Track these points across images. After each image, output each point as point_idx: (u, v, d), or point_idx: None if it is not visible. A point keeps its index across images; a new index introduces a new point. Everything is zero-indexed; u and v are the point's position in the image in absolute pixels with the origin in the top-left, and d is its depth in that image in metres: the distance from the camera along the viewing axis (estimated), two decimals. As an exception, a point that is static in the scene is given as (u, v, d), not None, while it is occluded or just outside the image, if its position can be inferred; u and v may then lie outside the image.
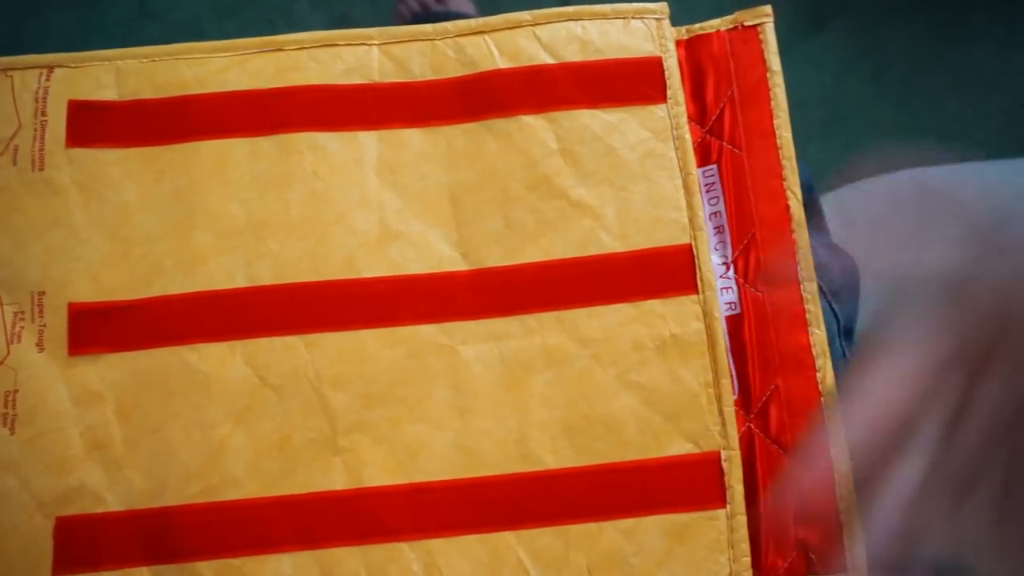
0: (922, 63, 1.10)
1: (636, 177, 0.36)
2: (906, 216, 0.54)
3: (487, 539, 0.33)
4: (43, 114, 0.36)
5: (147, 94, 0.36)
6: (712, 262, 0.36)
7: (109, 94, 0.36)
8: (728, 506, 0.34)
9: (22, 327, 0.34)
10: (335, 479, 0.34)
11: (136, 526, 0.33)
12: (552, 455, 0.34)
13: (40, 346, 0.34)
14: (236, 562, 0.33)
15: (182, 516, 0.33)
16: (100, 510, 0.33)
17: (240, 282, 0.35)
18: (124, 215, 0.35)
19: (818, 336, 0.35)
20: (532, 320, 0.35)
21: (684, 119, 0.37)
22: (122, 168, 0.36)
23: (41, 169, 0.35)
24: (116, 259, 0.35)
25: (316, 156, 0.36)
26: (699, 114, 0.38)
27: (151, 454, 0.34)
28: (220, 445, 0.34)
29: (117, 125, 0.36)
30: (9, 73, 0.36)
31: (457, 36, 0.37)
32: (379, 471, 0.34)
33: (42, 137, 0.36)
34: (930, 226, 0.53)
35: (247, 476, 0.34)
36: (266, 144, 0.36)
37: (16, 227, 0.35)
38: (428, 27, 0.38)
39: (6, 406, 0.34)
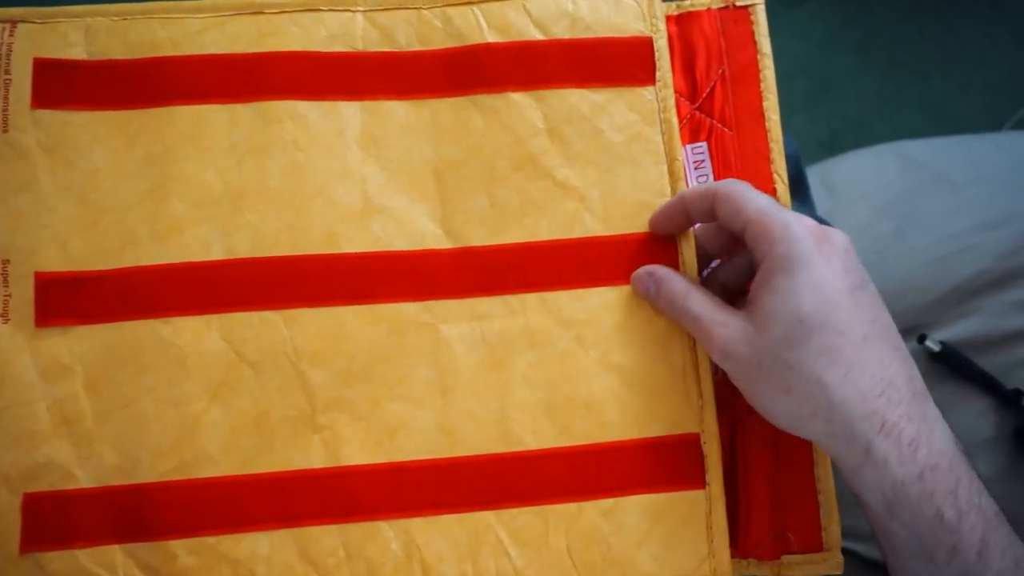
0: (907, 35, 1.10)
1: (622, 160, 0.36)
2: (891, 189, 0.54)
3: (467, 518, 0.34)
4: (7, 72, 0.35)
5: (118, 54, 0.35)
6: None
7: (78, 53, 0.35)
8: (707, 487, 0.35)
9: None
10: (313, 457, 0.34)
11: (107, 503, 0.33)
12: (533, 436, 0.35)
13: (4, 316, 0.34)
14: (211, 540, 0.33)
15: (155, 493, 0.33)
16: (70, 486, 0.33)
17: (217, 254, 0.35)
18: (94, 181, 0.35)
19: None
20: (515, 301, 0.35)
21: (672, 102, 0.37)
22: (92, 132, 0.35)
23: (4, 131, 0.34)
24: (86, 227, 0.34)
25: (296, 125, 0.35)
26: (689, 90, 0.38)
27: (122, 430, 0.33)
28: (195, 421, 0.34)
29: (86, 86, 0.35)
30: None
31: (445, 6, 0.37)
32: (358, 449, 0.34)
33: (5, 97, 0.35)
34: (915, 199, 0.53)
35: (222, 453, 0.34)
36: (245, 111, 0.35)
37: None
38: None
39: None
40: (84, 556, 0.32)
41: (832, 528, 0.35)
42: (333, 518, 0.34)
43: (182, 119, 0.35)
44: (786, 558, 0.35)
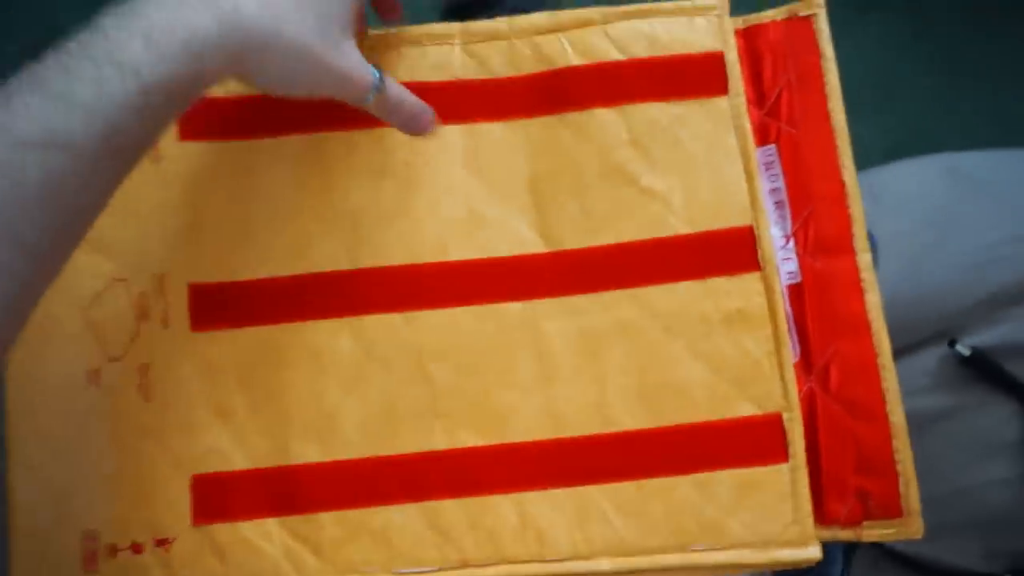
0: (976, 45, 1.13)
1: (700, 165, 0.42)
2: (935, 197, 0.58)
3: (574, 492, 0.40)
4: None
5: (247, 90, 0.42)
6: (773, 237, 0.42)
7: (215, 90, 0.41)
8: (790, 461, 0.40)
9: (148, 307, 0.41)
10: (436, 440, 0.40)
11: (263, 483, 0.39)
12: (629, 417, 0.40)
13: (165, 323, 0.41)
14: (353, 513, 0.39)
15: (303, 473, 0.40)
16: (230, 468, 0.40)
17: (343, 265, 0.41)
18: (235, 203, 0.42)
19: (873, 301, 0.41)
20: (608, 297, 0.41)
21: (744, 109, 0.43)
22: (229, 160, 0.42)
23: (157, 161, 0.42)
24: (233, 244, 0.41)
25: (409, 149, 0.42)
26: (757, 97, 0.44)
27: (271, 419, 0.40)
28: (333, 411, 0.40)
29: (222, 120, 0.42)
30: None
31: (534, 35, 0.43)
32: (474, 433, 0.40)
33: None
34: (956, 208, 0.57)
35: (359, 438, 0.40)
36: (362, 138, 0.42)
37: (137, 215, 0.41)
38: (503, 24, 0.44)
39: (141, 378, 0.40)
40: (246, 528, 0.39)
41: (911, 494, 0.39)
42: (455, 493, 0.40)
43: (304, 147, 0.42)
44: (867, 523, 0.40)
